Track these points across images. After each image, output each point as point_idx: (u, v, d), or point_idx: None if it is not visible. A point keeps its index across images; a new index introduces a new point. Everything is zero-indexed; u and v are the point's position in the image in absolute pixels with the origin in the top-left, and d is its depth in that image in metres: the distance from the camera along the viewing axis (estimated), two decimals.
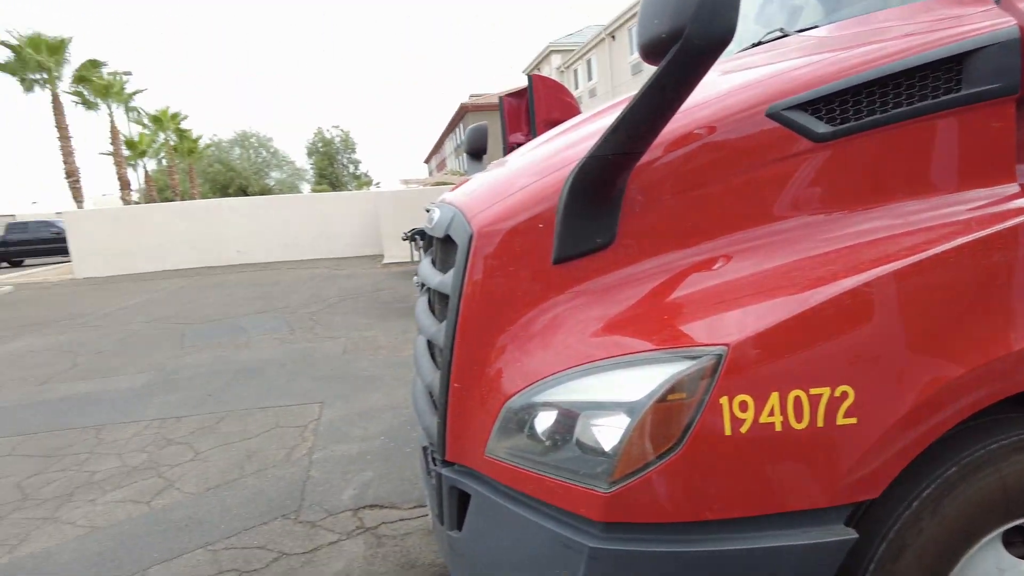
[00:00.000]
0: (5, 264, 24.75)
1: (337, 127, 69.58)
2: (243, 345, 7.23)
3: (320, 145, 67.66)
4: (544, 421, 1.34)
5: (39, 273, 19.66)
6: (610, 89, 29.43)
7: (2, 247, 24.86)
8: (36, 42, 25.75)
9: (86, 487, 3.77)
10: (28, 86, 26.51)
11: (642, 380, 1.25)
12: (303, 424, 4.51)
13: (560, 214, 1.46)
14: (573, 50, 35.62)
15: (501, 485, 1.44)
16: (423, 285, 2.16)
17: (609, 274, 1.50)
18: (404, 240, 11.20)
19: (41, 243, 24.37)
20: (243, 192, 50.63)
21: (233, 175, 55.30)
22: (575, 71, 35.41)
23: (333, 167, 67.88)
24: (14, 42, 25.51)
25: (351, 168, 69.66)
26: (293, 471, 3.74)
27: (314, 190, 58.77)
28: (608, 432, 1.25)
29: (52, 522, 3.38)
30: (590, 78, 33.18)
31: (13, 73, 26.06)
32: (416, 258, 11.20)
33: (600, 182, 1.43)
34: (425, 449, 1.87)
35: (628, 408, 1.23)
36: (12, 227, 25.73)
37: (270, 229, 17.27)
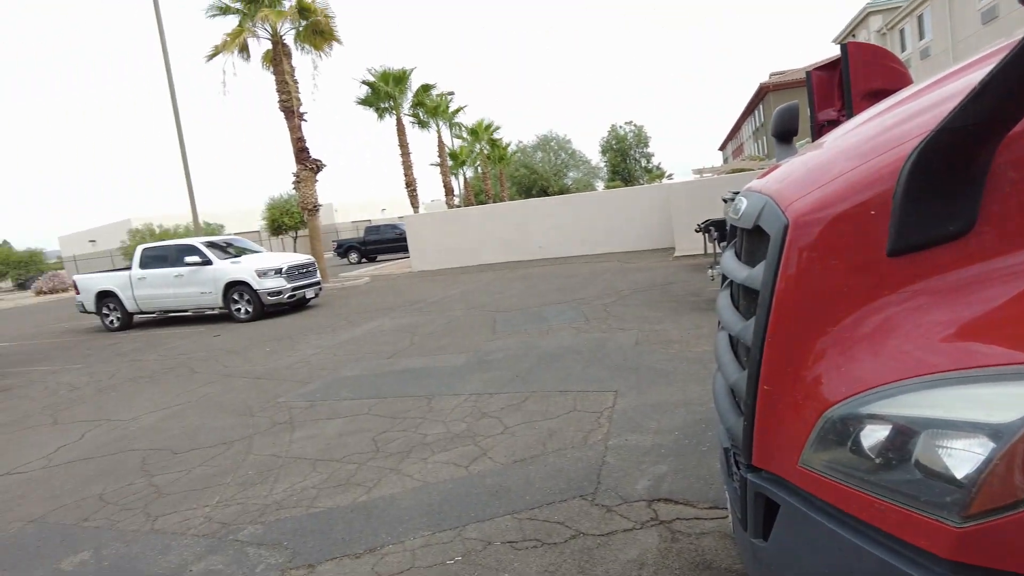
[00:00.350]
0: (364, 260, 30.47)
1: (630, 123, 70.45)
2: (545, 332, 7.79)
3: (614, 142, 69.45)
4: (873, 436, 1.18)
5: (387, 267, 23.79)
6: (949, 47, 24.65)
7: (362, 246, 30.70)
8: (386, 76, 31.13)
9: (420, 447, 4.45)
10: (381, 114, 32.18)
11: (1012, 398, 1.01)
12: (599, 411, 4.69)
13: (900, 197, 1.26)
14: (897, 8, 30.69)
15: (817, 499, 1.31)
16: (725, 279, 2.06)
17: (963, 268, 1.24)
18: (697, 232, 10.88)
19: (388, 242, 29.46)
20: (544, 192, 54.63)
21: (535, 177, 59.93)
22: (900, 31, 30.44)
23: (626, 162, 69.14)
24: (371, 79, 31.19)
25: (643, 162, 70.16)
26: (590, 455, 3.91)
27: (607, 187, 60.69)
28: (961, 457, 1.05)
29: (396, 473, 4.06)
30: (921, 37, 28.22)
31: (370, 105, 31.87)
32: (710, 250, 10.81)
33: (956, 158, 1.19)
34: (727, 451, 1.79)
35: (992, 431, 1.01)
36: (369, 230, 31.62)
37: (567, 225, 18.34)
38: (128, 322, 14.01)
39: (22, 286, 43.47)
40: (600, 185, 65.36)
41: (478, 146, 50.29)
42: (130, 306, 13.75)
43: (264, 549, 3.27)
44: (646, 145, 69.92)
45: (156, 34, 17.78)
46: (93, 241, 47.42)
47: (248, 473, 4.38)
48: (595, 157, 70.97)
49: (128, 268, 13.97)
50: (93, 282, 14.23)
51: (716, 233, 9.72)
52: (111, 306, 13.96)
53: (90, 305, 14.21)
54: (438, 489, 3.72)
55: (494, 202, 45.69)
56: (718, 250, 10.16)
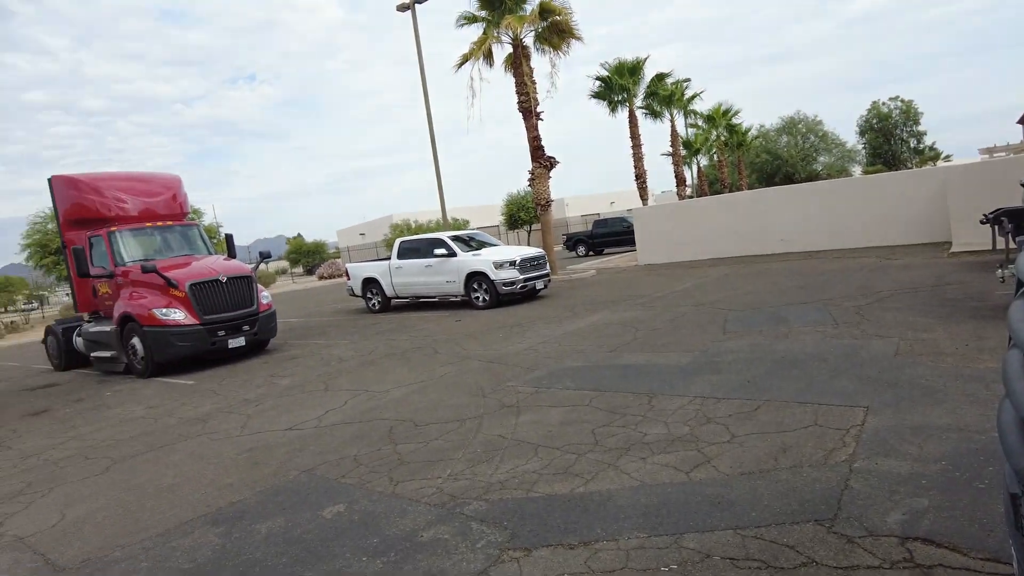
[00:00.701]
0: (592, 253, 30.89)
1: (896, 98, 61.27)
2: (783, 335, 7.15)
3: (875, 121, 61.36)
4: None
5: (613, 260, 23.84)
6: None
7: (590, 239, 31.13)
8: (619, 68, 31.09)
9: (639, 445, 4.35)
10: (613, 107, 32.25)
11: None
12: (844, 427, 4.16)
13: None
14: None
15: None
16: (1021, 284, 1.66)
17: None
18: (983, 223, 9.09)
19: (616, 235, 29.43)
20: (789, 180, 50.23)
21: (779, 163, 55.34)
22: None
23: (890, 144, 60.69)
24: (604, 73, 31.40)
25: (912, 143, 60.96)
26: (830, 476, 3.48)
27: (866, 172, 53.92)
28: None
29: (614, 468, 4.02)
30: None
31: (603, 99, 32.11)
32: (1000, 246, 8.98)
33: None
34: (1015, 497, 1.44)
35: None
36: (597, 223, 31.94)
37: (814, 216, 16.60)
38: (387, 305, 15.92)
39: (310, 271, 51.92)
40: (857, 170, 58.28)
41: (714, 133, 47.97)
42: (389, 292, 15.61)
43: (486, 526, 3.45)
44: (916, 123, 60.59)
45: (409, 53, 19.84)
46: (363, 234, 54.79)
47: (476, 451, 4.67)
48: (851, 139, 63.32)
49: (388, 258, 15.85)
50: (361, 270, 16.42)
51: (1010, 225, 8.05)
52: (374, 291, 15.98)
53: (357, 289, 16.43)
54: (656, 491, 3.60)
55: (730, 191, 43.25)
56: (1012, 246, 8.39)
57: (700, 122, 46.40)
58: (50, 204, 12.67)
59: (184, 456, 5.63)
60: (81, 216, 11.77)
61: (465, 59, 19.60)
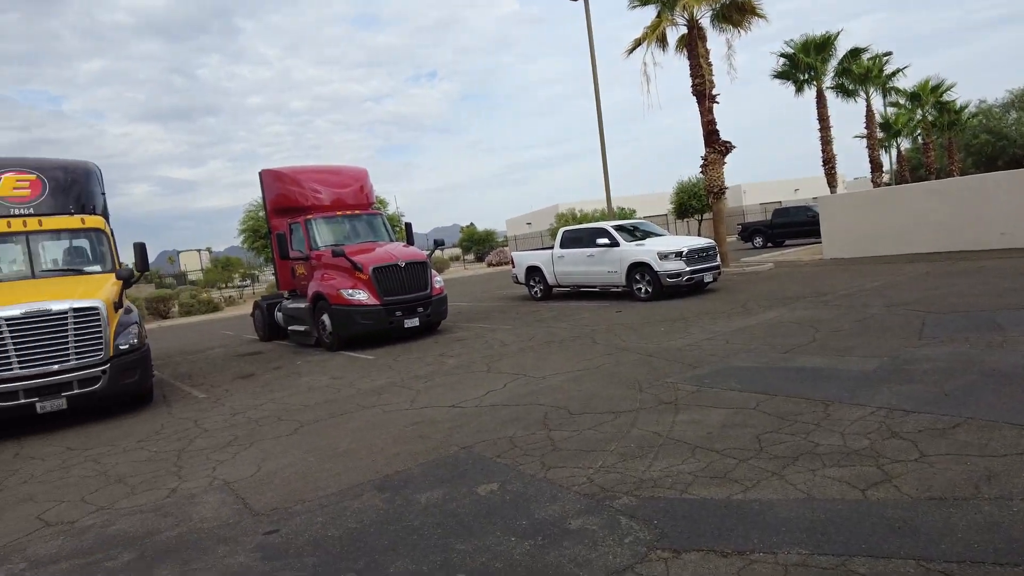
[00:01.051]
0: (770, 244, 28.84)
1: None
2: (996, 344, 6.18)
3: None
4: None
5: (793, 253, 22.10)
6: None
7: (768, 230, 29.04)
8: (806, 45, 28.67)
9: (809, 456, 3.99)
10: (799, 87, 29.83)
11: None
12: None
13: None
14: None
15: None
16: None
17: None
18: None
19: (798, 226, 27.17)
20: (1016, 163, 43.11)
21: (1004, 144, 47.67)
22: None
23: None
24: (789, 51, 29.11)
25: None
26: None
27: None
28: None
29: (778, 477, 3.73)
30: None
31: (787, 78, 29.82)
32: None
33: None
34: None
35: None
36: (777, 212, 29.72)
37: None
38: (548, 293, 16.16)
39: (480, 259, 54.22)
40: None
41: (919, 112, 42.48)
42: (551, 280, 15.82)
43: (635, 522, 3.37)
44: None
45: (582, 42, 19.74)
46: (529, 223, 56.03)
47: (630, 445, 4.58)
48: None
49: (551, 247, 16.05)
50: (525, 258, 16.82)
51: None
52: (536, 279, 16.30)
53: (521, 277, 16.86)
54: (824, 507, 3.28)
55: (938, 178, 38.13)
56: None
57: (902, 100, 41.35)
58: (260, 194, 14.43)
59: (360, 424, 6.15)
60: (284, 205, 13.28)
61: (637, 44, 19.14)
